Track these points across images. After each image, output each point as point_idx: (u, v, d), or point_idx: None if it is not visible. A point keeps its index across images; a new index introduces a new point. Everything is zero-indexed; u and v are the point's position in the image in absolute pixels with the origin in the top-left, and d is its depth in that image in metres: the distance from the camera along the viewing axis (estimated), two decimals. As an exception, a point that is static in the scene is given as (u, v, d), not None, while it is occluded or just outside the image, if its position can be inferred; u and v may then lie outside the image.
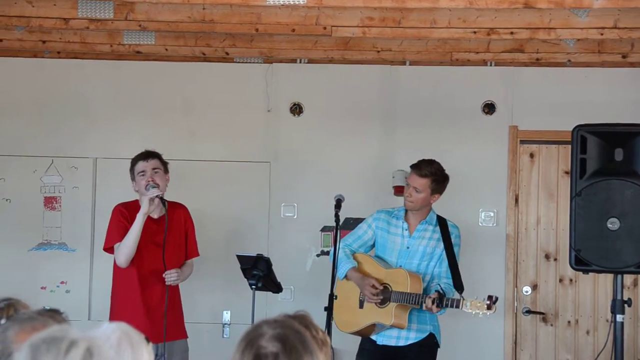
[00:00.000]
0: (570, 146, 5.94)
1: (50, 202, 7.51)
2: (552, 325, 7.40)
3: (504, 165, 7.41)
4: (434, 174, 6.11)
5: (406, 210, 6.25)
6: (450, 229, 6.20)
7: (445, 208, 7.33)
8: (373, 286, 6.02)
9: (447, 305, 5.81)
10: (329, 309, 5.84)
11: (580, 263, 5.81)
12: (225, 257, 7.09)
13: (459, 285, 6.02)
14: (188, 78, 7.58)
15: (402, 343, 6.13)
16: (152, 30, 6.70)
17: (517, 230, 7.42)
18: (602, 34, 6.22)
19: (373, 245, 6.32)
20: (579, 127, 5.86)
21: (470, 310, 5.74)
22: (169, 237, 6.22)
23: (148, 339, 2.91)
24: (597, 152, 5.82)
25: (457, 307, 5.78)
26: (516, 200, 7.42)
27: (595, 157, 5.81)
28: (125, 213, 6.24)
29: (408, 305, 5.98)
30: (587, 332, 7.36)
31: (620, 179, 5.75)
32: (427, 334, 6.14)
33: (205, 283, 7.22)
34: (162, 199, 6.10)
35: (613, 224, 5.74)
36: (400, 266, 6.11)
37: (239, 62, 7.58)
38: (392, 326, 6.04)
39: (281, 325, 2.63)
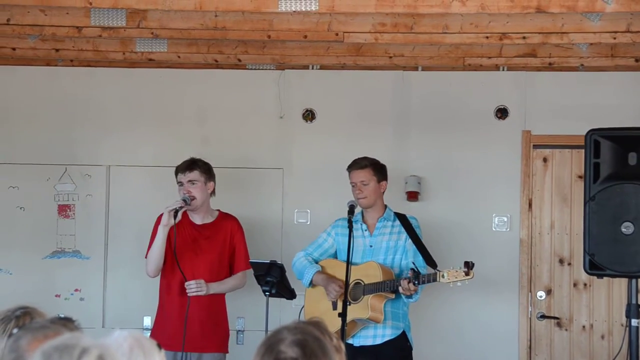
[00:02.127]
0: (583, 150, 5.92)
1: (64, 210, 7.53)
2: (566, 330, 7.37)
3: (517, 170, 7.40)
4: (372, 163, 6.33)
5: (362, 214, 6.38)
6: (409, 220, 6.31)
7: (459, 213, 7.35)
8: (340, 286, 6.08)
9: (424, 282, 5.85)
10: (343, 315, 5.84)
11: (595, 267, 5.79)
12: (238, 263, 7.09)
13: (431, 263, 6.05)
14: (200, 85, 7.59)
15: (378, 341, 6.19)
16: (164, 37, 6.72)
17: (531, 235, 7.40)
18: (614, 38, 6.21)
19: (334, 254, 6.41)
20: (592, 132, 5.84)
21: (448, 281, 5.78)
22: (210, 247, 6.30)
23: (160, 346, 2.91)
24: (611, 156, 5.80)
25: (435, 280, 5.83)
26: (529, 205, 7.40)
27: (608, 161, 5.79)
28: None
29: (383, 295, 6.04)
30: (602, 337, 7.34)
31: (634, 183, 5.73)
32: (400, 331, 6.20)
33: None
34: (176, 211, 6.14)
35: (627, 228, 5.71)
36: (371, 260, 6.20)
37: (251, 69, 7.59)
38: (369, 319, 6.06)
39: (301, 332, 2.64)
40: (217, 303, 6.38)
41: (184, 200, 6.25)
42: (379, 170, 6.34)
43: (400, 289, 5.90)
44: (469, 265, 5.76)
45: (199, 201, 6.35)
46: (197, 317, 6.24)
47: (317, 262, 6.42)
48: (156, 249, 6.23)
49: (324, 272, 6.33)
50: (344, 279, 6.01)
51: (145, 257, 6.39)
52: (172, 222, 6.15)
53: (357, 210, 6.39)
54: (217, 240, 6.38)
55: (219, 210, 6.54)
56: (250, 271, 6.37)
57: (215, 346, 6.35)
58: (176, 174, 6.44)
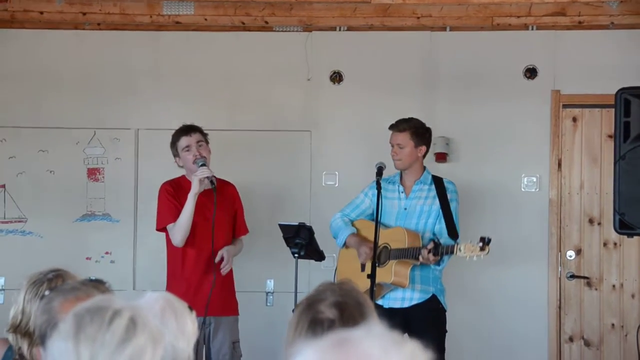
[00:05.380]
0: (613, 110, 5.88)
1: (93, 173, 7.56)
2: (596, 289, 7.36)
3: (546, 130, 7.36)
4: (411, 127, 6.28)
5: (401, 175, 6.37)
6: (445, 184, 6.33)
7: (487, 174, 7.33)
8: (370, 248, 6.10)
9: (442, 253, 5.91)
10: (372, 277, 5.86)
11: (625, 227, 5.77)
12: (267, 226, 7.11)
13: (453, 234, 6.10)
14: (228, 48, 7.57)
15: (406, 304, 6.22)
16: (191, 0, 6.71)
17: (560, 195, 7.37)
18: (645, -5, 6.15)
19: (371, 215, 6.41)
20: (622, 90, 5.80)
21: (464, 254, 5.85)
22: (220, 214, 6.26)
23: (191, 308, 2.94)
24: (641, 115, 5.76)
25: (452, 252, 5.90)
26: (559, 165, 7.37)
27: (639, 120, 5.75)
28: (171, 191, 6.30)
29: (408, 262, 6.08)
30: (632, 296, 7.32)
31: (664, 141, 5.69)
32: (430, 295, 6.23)
33: (249, 252, 7.24)
34: (212, 181, 6.13)
35: (658, 187, 5.69)
36: (399, 225, 6.21)
37: (278, 31, 7.56)
38: (393, 284, 6.11)
39: (344, 294, 2.63)
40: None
41: (204, 165, 6.19)
42: (419, 135, 6.30)
43: (420, 257, 5.94)
44: (484, 241, 5.79)
45: (209, 161, 6.28)
46: (208, 282, 6.24)
47: (353, 223, 6.44)
48: (186, 217, 6.16)
49: (357, 235, 6.35)
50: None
51: (157, 230, 6.41)
52: (201, 189, 6.14)
53: (395, 172, 6.40)
54: (224, 206, 6.36)
55: (214, 176, 6.44)
56: (279, 233, 6.39)
57: (232, 309, 6.40)
58: (177, 139, 6.30)
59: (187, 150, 6.25)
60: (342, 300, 2.61)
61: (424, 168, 6.40)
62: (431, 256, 5.88)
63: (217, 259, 6.23)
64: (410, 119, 6.36)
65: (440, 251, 5.90)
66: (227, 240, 6.39)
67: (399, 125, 6.31)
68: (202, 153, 6.23)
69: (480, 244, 5.79)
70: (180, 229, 6.21)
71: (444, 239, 6.06)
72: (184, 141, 6.27)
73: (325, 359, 1.65)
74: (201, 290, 6.20)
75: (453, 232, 6.12)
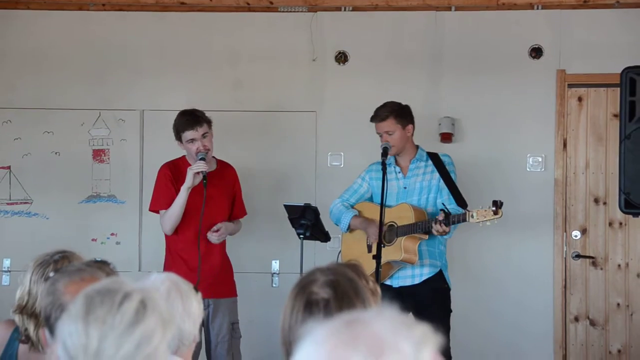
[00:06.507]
0: (619, 89, 5.86)
1: (98, 154, 7.56)
2: (602, 269, 7.36)
3: (551, 109, 7.34)
4: (392, 111, 6.25)
5: (395, 158, 6.37)
6: (441, 157, 6.32)
7: (493, 154, 7.32)
8: (377, 228, 6.08)
9: (454, 222, 5.88)
10: (378, 258, 5.86)
11: (630, 206, 5.76)
12: (273, 207, 7.12)
13: (462, 203, 6.08)
14: (232, 29, 7.56)
15: (417, 281, 6.22)
16: (195, -20, 6.70)
17: (566, 174, 7.36)
18: (651, -27, 6.13)
19: (370, 199, 6.44)
20: (627, 70, 5.78)
21: (477, 221, 5.82)
22: (218, 195, 6.26)
23: (197, 289, 2.94)
24: (647, 94, 5.74)
25: (464, 220, 5.86)
26: (564, 145, 7.36)
27: (644, 99, 5.74)
28: (170, 176, 6.30)
29: (416, 237, 6.08)
30: (638, 276, 7.32)
31: (670, 121, 5.68)
32: (438, 269, 6.23)
33: (254, 233, 7.26)
34: (205, 176, 6.11)
35: (663, 166, 5.68)
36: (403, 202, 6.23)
37: (283, 12, 7.54)
38: (403, 261, 6.10)
39: (334, 273, 2.65)
40: (222, 251, 6.41)
41: (202, 159, 6.16)
42: (402, 116, 6.27)
43: (433, 231, 5.93)
44: (497, 204, 5.78)
45: (212, 153, 6.28)
46: (214, 264, 6.27)
47: (353, 207, 6.45)
48: (178, 209, 6.18)
49: (360, 216, 6.35)
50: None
51: (150, 210, 6.45)
52: (196, 182, 6.13)
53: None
54: (224, 188, 6.36)
55: (214, 156, 6.46)
56: (284, 214, 6.40)
57: (230, 291, 6.41)
58: (182, 130, 6.21)
59: (192, 142, 6.23)
60: (334, 278, 2.63)
61: (417, 147, 6.39)
62: (443, 226, 5.88)
63: (214, 229, 6.25)
64: (386, 104, 6.31)
65: (452, 220, 5.88)
66: (225, 220, 6.39)
67: (380, 114, 6.26)
68: (207, 145, 6.21)
69: (494, 208, 5.78)
70: (170, 219, 6.24)
71: (453, 208, 6.04)
72: (189, 134, 6.20)
73: (335, 340, 1.65)
74: (202, 273, 6.20)
75: (461, 201, 6.10)
